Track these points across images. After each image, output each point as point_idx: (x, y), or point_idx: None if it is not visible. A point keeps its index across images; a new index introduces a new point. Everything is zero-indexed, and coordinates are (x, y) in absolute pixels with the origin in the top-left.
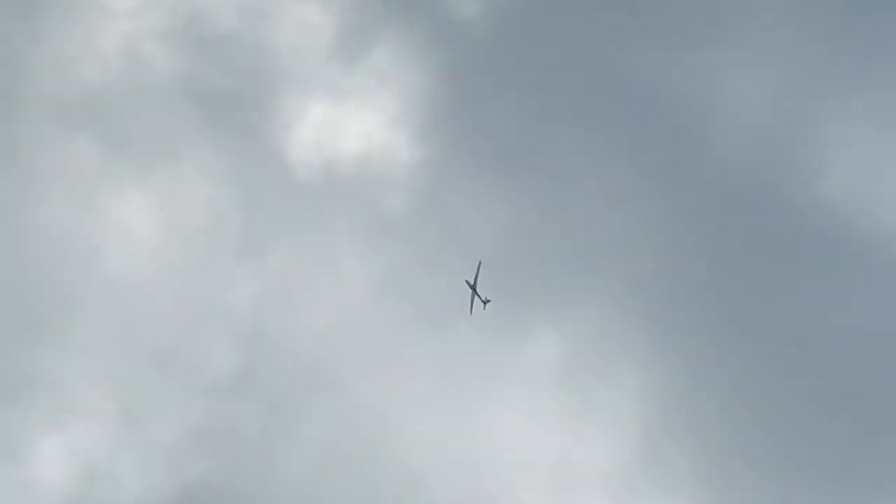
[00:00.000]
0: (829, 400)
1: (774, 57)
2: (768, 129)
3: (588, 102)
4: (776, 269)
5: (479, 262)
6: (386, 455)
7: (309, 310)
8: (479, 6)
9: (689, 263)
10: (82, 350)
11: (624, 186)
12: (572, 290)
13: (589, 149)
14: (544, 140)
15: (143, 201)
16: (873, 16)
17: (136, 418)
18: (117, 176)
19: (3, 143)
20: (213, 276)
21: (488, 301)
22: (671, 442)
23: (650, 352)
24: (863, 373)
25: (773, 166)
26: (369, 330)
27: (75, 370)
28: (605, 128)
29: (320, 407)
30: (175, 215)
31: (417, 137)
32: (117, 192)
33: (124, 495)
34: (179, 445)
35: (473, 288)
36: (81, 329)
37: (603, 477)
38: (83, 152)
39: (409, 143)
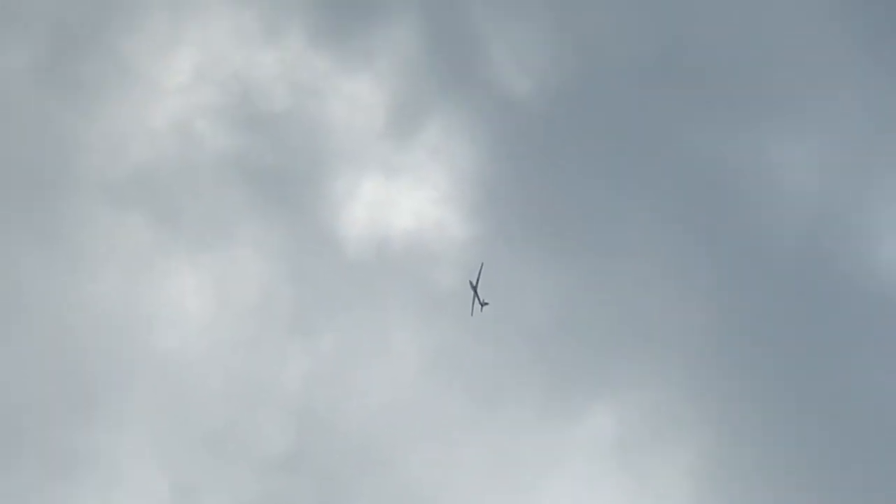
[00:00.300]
0: (889, 474)
1: (825, 129)
2: (821, 201)
3: (640, 178)
4: (831, 342)
5: (482, 264)
6: None
7: (361, 387)
8: (530, 83)
9: (743, 340)
10: (134, 427)
11: (676, 262)
12: (626, 367)
13: (641, 225)
14: (596, 216)
15: (195, 279)
16: None
17: (188, 496)
18: (168, 253)
19: (55, 221)
20: (264, 354)
21: (486, 304)
22: None
23: (704, 430)
24: None
25: (825, 238)
26: (421, 407)
27: (127, 447)
28: (657, 203)
29: (372, 485)
30: (227, 293)
31: (469, 214)
32: (169, 269)
33: None
34: None
35: (475, 289)
36: (133, 406)
37: None
38: (134, 230)
39: (461, 219)
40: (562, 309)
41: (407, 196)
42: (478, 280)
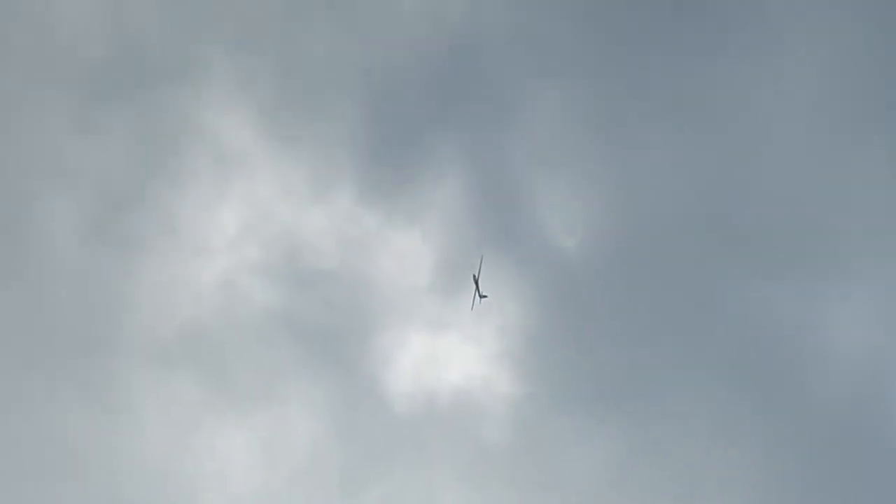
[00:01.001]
0: None
1: (875, 286)
2: (871, 359)
3: (688, 336)
4: (884, 500)
5: (482, 257)
6: None
7: None
8: (576, 239)
9: (794, 499)
10: None
11: (726, 421)
12: None
13: (691, 383)
14: (646, 374)
15: (242, 437)
16: None
17: None
18: (216, 412)
19: (102, 379)
20: None
21: (485, 297)
22: None
23: None
24: None
25: (875, 396)
26: None
27: None
28: (705, 361)
29: None
30: (274, 450)
31: (517, 371)
32: (216, 427)
33: None
34: None
35: (476, 283)
36: None
37: None
38: (182, 388)
39: (510, 376)
40: (610, 467)
41: (454, 352)
42: (479, 273)
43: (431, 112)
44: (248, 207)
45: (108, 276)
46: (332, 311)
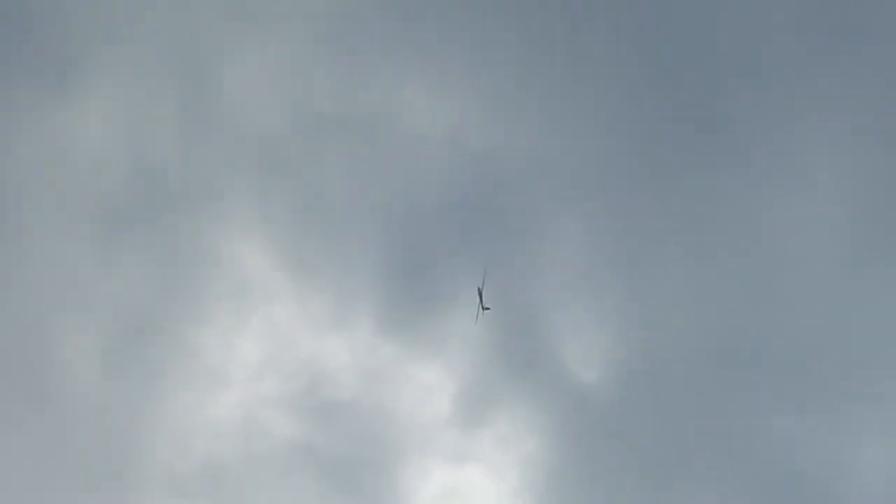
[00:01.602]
0: None
1: None
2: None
3: (714, 469)
4: None
5: (485, 269)
6: None
7: None
8: (598, 372)
9: None
10: None
11: None
12: None
13: None
14: (669, 501)
15: None
16: None
17: None
18: None
19: None
20: None
21: (488, 308)
22: None
23: None
24: None
25: None
26: None
27: None
28: (732, 495)
29: None
30: None
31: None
32: None
33: None
34: None
35: (480, 296)
36: None
37: None
38: None
39: None
40: None
41: (475, 485)
42: (483, 285)
43: (451, 241)
44: (268, 337)
45: (128, 407)
46: (352, 444)
